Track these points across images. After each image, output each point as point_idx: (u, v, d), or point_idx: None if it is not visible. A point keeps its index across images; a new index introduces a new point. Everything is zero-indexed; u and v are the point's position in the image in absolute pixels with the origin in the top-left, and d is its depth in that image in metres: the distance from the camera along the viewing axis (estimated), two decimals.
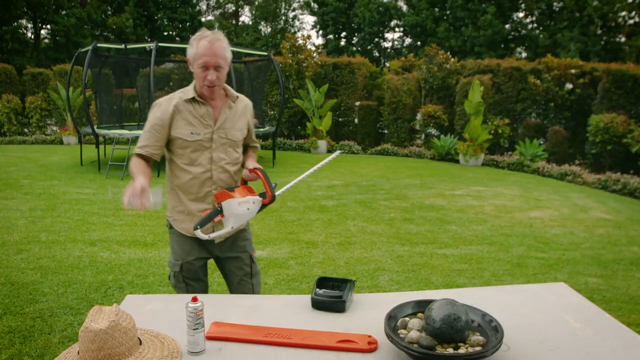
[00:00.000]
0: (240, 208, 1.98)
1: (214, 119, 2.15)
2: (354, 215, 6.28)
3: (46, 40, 28.21)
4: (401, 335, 1.45)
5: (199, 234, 1.99)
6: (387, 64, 17.14)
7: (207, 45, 1.99)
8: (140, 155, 2.12)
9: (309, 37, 14.32)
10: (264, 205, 2.08)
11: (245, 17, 43.79)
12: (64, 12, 26.29)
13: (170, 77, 15.84)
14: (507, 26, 27.19)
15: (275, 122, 12.69)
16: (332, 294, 1.77)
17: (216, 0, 41.83)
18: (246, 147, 2.39)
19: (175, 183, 2.20)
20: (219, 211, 1.98)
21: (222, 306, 1.80)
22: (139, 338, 1.43)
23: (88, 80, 11.52)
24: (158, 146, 2.13)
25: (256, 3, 39.94)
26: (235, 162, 2.24)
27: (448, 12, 29.16)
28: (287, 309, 1.76)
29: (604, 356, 1.43)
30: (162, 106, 2.12)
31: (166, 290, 3.76)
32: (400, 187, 8.15)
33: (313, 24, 38.70)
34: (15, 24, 25.00)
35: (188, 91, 2.15)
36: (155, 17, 31.65)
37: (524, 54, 28.36)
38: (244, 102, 2.30)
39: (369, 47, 33.45)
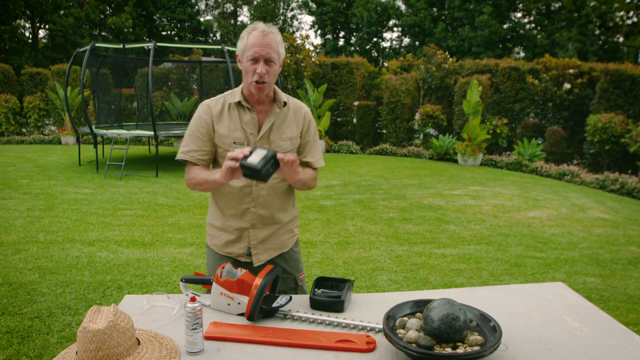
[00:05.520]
0: (221, 298, 1.72)
1: (257, 127, 1.92)
2: (353, 215, 6.28)
3: (44, 40, 28.18)
4: (400, 335, 1.45)
5: (182, 286, 1.84)
6: (386, 64, 17.16)
7: (259, 36, 1.79)
8: (187, 163, 1.90)
9: (307, 37, 14.32)
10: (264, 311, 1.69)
11: (244, 17, 43.79)
12: (62, 12, 26.27)
13: (169, 77, 15.82)
14: (505, 26, 27.24)
15: None
16: (330, 294, 1.77)
17: (215, 0, 41.83)
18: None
19: (215, 193, 2.02)
20: (209, 283, 1.78)
21: None
22: (137, 338, 1.43)
23: (86, 80, 11.51)
24: (205, 152, 1.91)
25: (255, 3, 39.95)
26: (284, 178, 1.95)
27: (446, 12, 29.21)
28: (286, 309, 1.76)
29: (602, 356, 1.43)
30: (207, 108, 1.92)
31: (165, 290, 3.76)
32: (399, 187, 8.15)
33: (311, 23, 38.74)
34: (14, 23, 24.96)
35: (235, 94, 1.92)
36: (154, 17, 31.64)
37: (522, 54, 28.43)
38: (295, 108, 1.99)
39: (367, 47, 33.49)
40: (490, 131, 11.72)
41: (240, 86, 1.93)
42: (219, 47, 10.10)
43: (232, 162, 1.65)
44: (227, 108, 1.90)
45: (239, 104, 1.90)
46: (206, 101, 1.95)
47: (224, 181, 1.74)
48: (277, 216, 2.01)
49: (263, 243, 1.99)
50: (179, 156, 1.91)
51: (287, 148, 1.94)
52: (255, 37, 1.79)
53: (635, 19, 24.91)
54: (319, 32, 35.24)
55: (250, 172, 1.63)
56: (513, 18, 28.53)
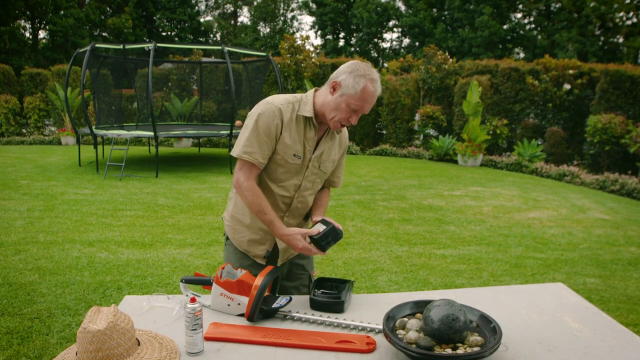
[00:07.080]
0: (221, 299, 1.73)
1: (314, 146, 1.94)
2: (353, 215, 6.28)
3: (44, 41, 28.19)
4: (400, 336, 1.45)
5: (182, 287, 1.85)
6: (386, 65, 17.17)
7: (373, 93, 1.80)
8: (245, 162, 1.86)
9: (307, 37, 14.33)
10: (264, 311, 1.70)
11: (244, 18, 43.87)
12: (62, 13, 26.28)
13: (169, 77, 15.83)
14: (505, 27, 27.25)
15: None
16: (330, 295, 1.77)
17: (215, 0, 41.87)
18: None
19: None
20: (209, 284, 1.79)
21: None
22: (137, 339, 1.43)
23: (86, 80, 11.50)
24: (266, 155, 1.87)
25: (255, 3, 39.96)
26: (315, 193, 2.07)
27: (446, 12, 29.23)
28: (286, 310, 1.76)
29: (602, 356, 1.43)
30: (279, 112, 1.85)
31: (164, 290, 3.76)
32: (399, 188, 8.15)
33: (311, 24, 38.77)
34: (14, 24, 24.97)
35: (306, 105, 1.89)
36: (154, 18, 31.65)
37: (522, 55, 28.45)
38: (342, 131, 2.06)
39: (367, 47, 33.50)
40: (490, 132, 11.72)
41: (312, 98, 1.90)
42: (219, 47, 10.10)
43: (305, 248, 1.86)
44: (295, 118, 1.88)
45: (309, 119, 1.89)
46: (276, 103, 1.86)
47: (277, 235, 1.88)
48: (301, 223, 2.10)
49: (288, 247, 2.04)
50: (242, 155, 1.84)
51: (329, 170, 2.03)
52: (368, 94, 1.79)
53: (635, 20, 24.93)
54: (319, 32, 35.26)
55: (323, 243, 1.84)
56: (513, 19, 28.55)
